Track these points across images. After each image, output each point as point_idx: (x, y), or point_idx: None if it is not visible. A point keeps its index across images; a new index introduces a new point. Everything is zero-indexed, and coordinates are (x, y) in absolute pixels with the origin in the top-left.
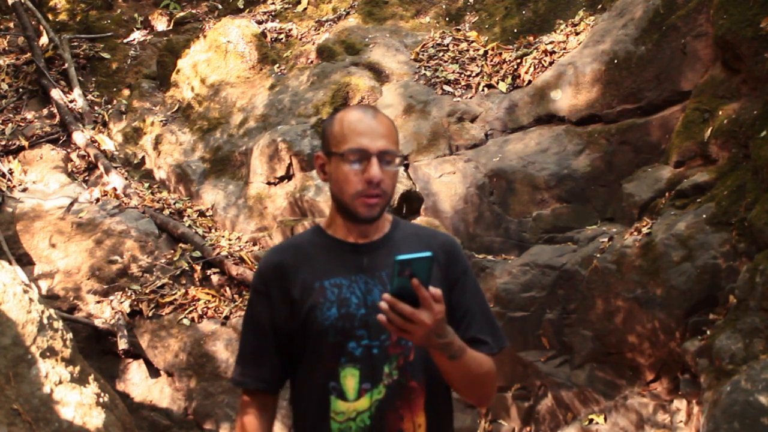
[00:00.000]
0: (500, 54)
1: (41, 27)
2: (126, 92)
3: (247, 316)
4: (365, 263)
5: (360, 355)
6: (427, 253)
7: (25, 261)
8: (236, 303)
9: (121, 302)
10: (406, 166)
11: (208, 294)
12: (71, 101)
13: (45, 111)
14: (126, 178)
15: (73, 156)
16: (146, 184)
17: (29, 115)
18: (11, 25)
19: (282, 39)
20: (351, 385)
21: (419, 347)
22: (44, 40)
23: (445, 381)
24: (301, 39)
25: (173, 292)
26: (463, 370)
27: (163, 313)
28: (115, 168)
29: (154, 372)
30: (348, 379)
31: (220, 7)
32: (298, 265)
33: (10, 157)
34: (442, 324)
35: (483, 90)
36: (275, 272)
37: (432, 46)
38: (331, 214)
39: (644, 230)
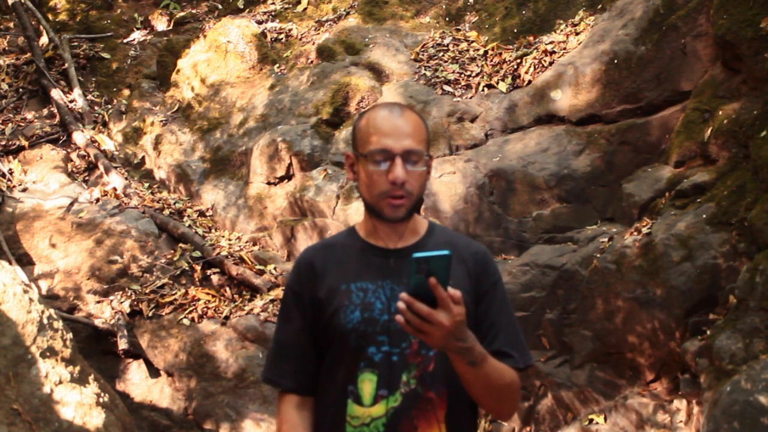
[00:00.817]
0: (500, 54)
1: (41, 27)
2: (126, 92)
3: (281, 313)
4: (393, 269)
5: (379, 361)
6: (445, 252)
7: (25, 261)
8: (236, 303)
9: (121, 302)
10: None
11: (208, 294)
12: (71, 101)
13: (45, 111)
14: (126, 178)
15: (73, 156)
16: (146, 184)
17: (29, 115)
18: (11, 25)
19: (282, 39)
20: (368, 390)
21: (440, 358)
22: (44, 40)
23: (467, 392)
24: (301, 39)
25: (173, 292)
26: (483, 379)
27: (163, 313)
28: (115, 168)
29: (154, 372)
30: (365, 383)
31: (220, 7)
32: (328, 265)
33: (10, 157)
34: (461, 327)
35: (483, 90)
36: (307, 272)
37: (432, 46)
38: (364, 216)
39: (644, 230)
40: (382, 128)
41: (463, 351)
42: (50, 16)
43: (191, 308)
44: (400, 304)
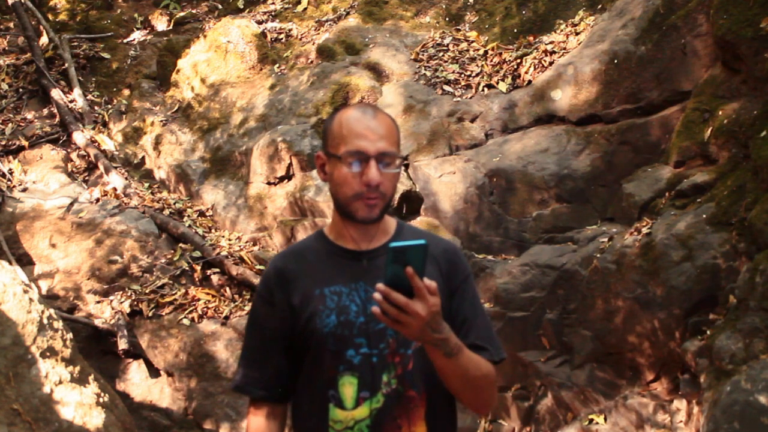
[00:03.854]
0: (500, 54)
1: (41, 27)
2: (126, 92)
3: (251, 321)
4: (366, 271)
5: (358, 364)
6: (421, 241)
7: (25, 261)
8: (236, 303)
9: (121, 302)
10: (406, 167)
11: (208, 294)
12: (71, 101)
13: (45, 111)
14: (126, 178)
15: (73, 156)
16: (146, 184)
17: (29, 115)
18: (11, 25)
19: (282, 39)
20: (349, 393)
21: (418, 356)
22: (44, 40)
23: (446, 388)
24: (301, 39)
25: (173, 292)
26: (460, 370)
27: (163, 313)
28: (115, 168)
29: (154, 372)
30: (346, 387)
31: (220, 7)
32: (300, 271)
33: (10, 157)
34: (437, 317)
35: (483, 90)
36: (278, 278)
37: (432, 46)
38: (333, 219)
39: (644, 230)
40: (356, 130)
41: (439, 342)
42: (50, 16)
43: (191, 308)
44: (377, 295)
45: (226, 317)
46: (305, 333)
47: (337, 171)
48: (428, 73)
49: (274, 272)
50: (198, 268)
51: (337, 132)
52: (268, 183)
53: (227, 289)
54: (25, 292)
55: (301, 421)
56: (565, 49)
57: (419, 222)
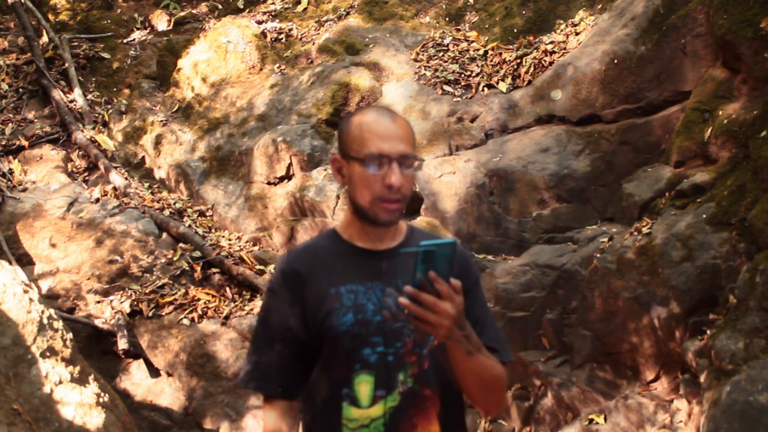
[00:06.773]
0: (500, 54)
1: (41, 27)
2: (126, 92)
3: (261, 318)
4: (383, 270)
5: (375, 362)
6: (450, 240)
7: (25, 261)
8: (236, 303)
9: (121, 302)
10: None
11: (208, 294)
12: (71, 101)
13: (45, 111)
14: (126, 178)
15: (73, 156)
16: (146, 184)
17: (29, 115)
18: (11, 25)
19: (282, 39)
20: (365, 391)
21: (433, 356)
22: (44, 40)
23: (458, 385)
24: (301, 39)
25: (173, 292)
26: (477, 369)
27: (163, 313)
28: (115, 168)
29: (154, 372)
30: (362, 385)
31: (220, 7)
32: (313, 270)
33: (10, 157)
34: (462, 315)
35: (483, 90)
36: (291, 276)
37: (432, 46)
38: (346, 218)
39: (644, 230)
40: (377, 132)
41: (463, 339)
42: (50, 16)
43: (191, 308)
44: (402, 299)
45: (226, 317)
46: (320, 331)
47: (356, 174)
48: (428, 73)
49: (287, 270)
50: (198, 268)
51: (357, 135)
52: (268, 183)
53: (227, 289)
54: (25, 292)
55: (313, 418)
56: (565, 49)
57: (419, 222)
